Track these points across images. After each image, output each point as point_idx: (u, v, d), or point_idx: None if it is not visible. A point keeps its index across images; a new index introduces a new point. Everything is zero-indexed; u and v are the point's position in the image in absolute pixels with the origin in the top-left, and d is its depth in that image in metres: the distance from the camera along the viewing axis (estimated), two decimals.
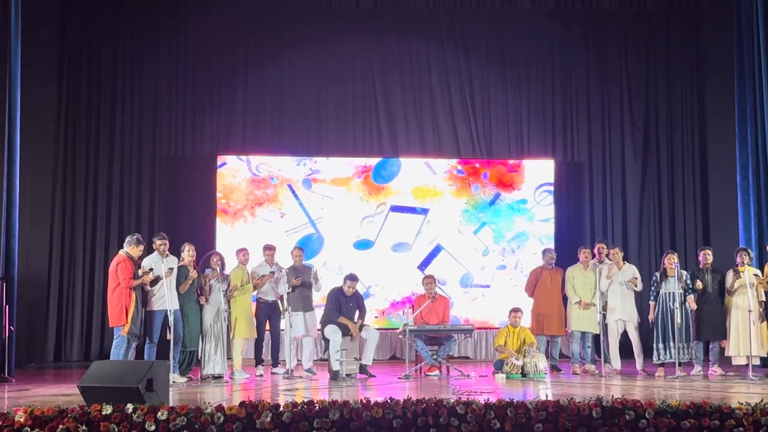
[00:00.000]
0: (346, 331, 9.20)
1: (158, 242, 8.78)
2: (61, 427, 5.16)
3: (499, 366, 9.36)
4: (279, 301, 9.73)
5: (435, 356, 9.56)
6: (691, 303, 9.30)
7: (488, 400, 5.51)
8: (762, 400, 5.57)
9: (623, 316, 9.64)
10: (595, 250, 10.07)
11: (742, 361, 9.24)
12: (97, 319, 11.43)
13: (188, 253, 9.05)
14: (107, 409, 5.28)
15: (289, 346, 9.38)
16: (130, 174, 11.91)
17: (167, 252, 8.79)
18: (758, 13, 10.61)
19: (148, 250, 8.95)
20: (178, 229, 10.90)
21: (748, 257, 9.28)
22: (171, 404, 5.65)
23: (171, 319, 8.33)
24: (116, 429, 5.18)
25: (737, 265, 9.27)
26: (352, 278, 9.56)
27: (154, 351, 8.69)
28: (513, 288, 11.72)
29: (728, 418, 5.37)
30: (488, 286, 11.92)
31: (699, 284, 9.31)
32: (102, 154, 11.83)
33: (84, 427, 5.18)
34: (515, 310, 9.76)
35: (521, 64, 12.63)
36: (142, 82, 12.03)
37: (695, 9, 12.51)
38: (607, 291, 9.65)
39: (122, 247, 8.70)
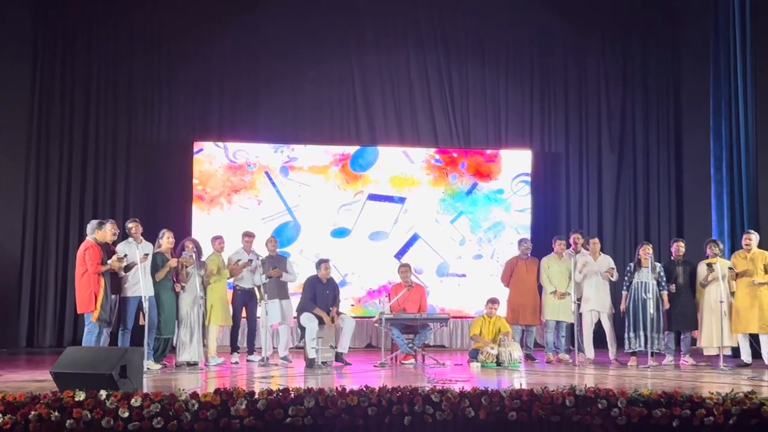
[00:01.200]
0: (322, 320, 9.20)
1: (130, 226, 8.70)
2: (33, 413, 5.12)
3: (474, 355, 9.41)
4: (256, 289, 9.70)
5: (411, 345, 9.58)
6: (665, 300, 9.39)
7: (463, 388, 5.54)
8: (732, 390, 5.65)
9: (597, 306, 9.72)
10: (571, 241, 10.12)
11: (713, 352, 9.35)
12: (70, 304, 11.31)
13: (167, 240, 8.97)
14: (80, 396, 5.25)
15: (265, 334, 9.36)
16: (105, 159, 11.80)
17: (141, 237, 8.71)
18: (735, 6, 10.69)
19: (123, 236, 8.87)
20: (154, 216, 10.85)
21: (718, 249, 9.38)
22: (145, 391, 5.62)
23: (145, 305, 8.28)
24: (89, 415, 5.15)
25: (707, 257, 9.36)
26: (325, 261, 9.56)
27: (128, 338, 8.63)
28: (489, 277, 11.76)
29: (699, 407, 5.43)
30: (464, 276, 11.96)
31: (666, 297, 9.40)
32: (76, 138, 11.72)
33: (56, 414, 5.15)
34: (492, 301, 9.80)
35: (500, 54, 12.66)
36: (117, 66, 11.91)
37: (673, 2, 12.60)
38: (582, 281, 9.72)
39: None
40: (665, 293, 9.39)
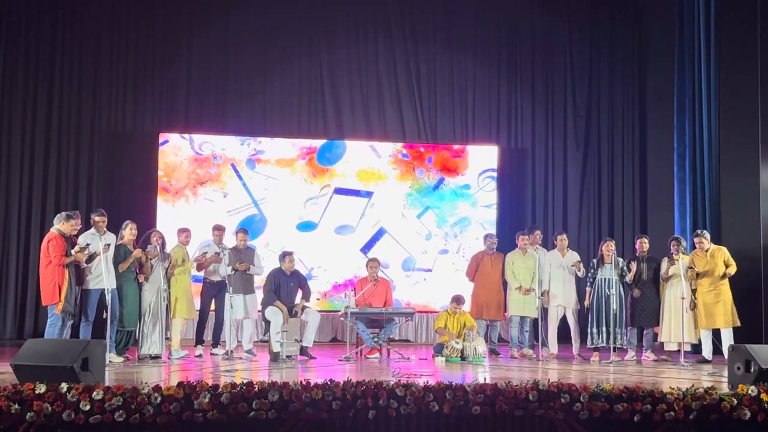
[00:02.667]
0: (289, 314, 9.16)
1: (96, 218, 8.58)
2: None
3: (438, 349, 9.44)
4: (226, 282, 9.62)
5: (376, 339, 9.59)
6: (635, 291, 9.51)
7: (427, 382, 5.55)
8: (693, 386, 5.72)
9: (563, 302, 9.81)
10: (533, 236, 10.18)
11: (674, 348, 9.48)
12: (31, 296, 11.18)
13: (129, 231, 8.85)
14: (41, 388, 5.17)
15: (229, 328, 9.30)
16: (68, 149, 11.64)
17: (105, 229, 8.60)
18: (699, 5, 10.82)
19: (86, 227, 8.76)
20: (118, 207, 10.71)
21: (681, 246, 9.49)
22: (107, 384, 5.56)
23: (108, 297, 8.18)
24: (50, 408, 5.08)
25: (671, 254, 9.47)
26: (288, 253, 9.52)
27: (90, 330, 8.51)
28: (455, 272, 11.81)
29: (660, 402, 5.50)
30: (430, 270, 12.00)
31: (631, 275, 9.49)
32: (39, 127, 11.54)
33: (16, 406, 5.07)
34: (457, 300, 9.73)
35: (468, 49, 12.70)
36: (82, 56, 11.75)
37: (638, 0, 12.71)
38: (548, 277, 9.81)
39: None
40: (636, 290, 9.49)
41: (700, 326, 9.33)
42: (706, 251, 9.38)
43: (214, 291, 9.62)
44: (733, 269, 9.29)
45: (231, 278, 9.30)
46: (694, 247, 9.57)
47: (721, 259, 9.34)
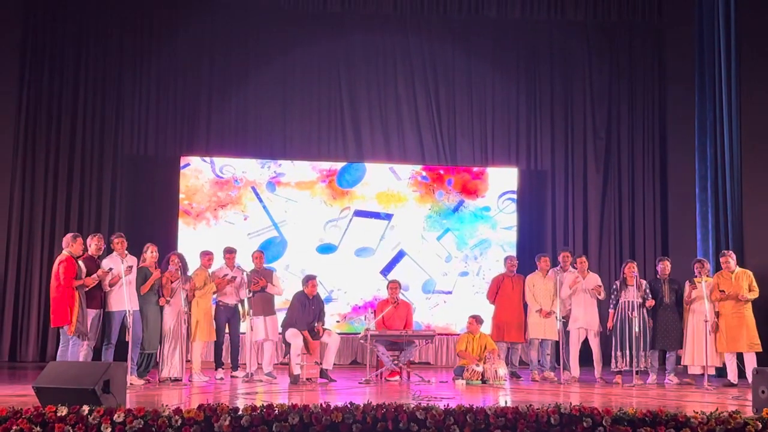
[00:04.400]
0: (311, 337, 9.15)
1: (116, 241, 8.65)
2: (15, 427, 5.06)
3: (459, 372, 9.39)
4: (240, 305, 9.65)
5: (396, 361, 9.56)
6: (649, 302, 9.44)
7: (448, 405, 5.52)
8: (717, 410, 5.65)
9: (585, 324, 9.74)
10: (560, 259, 10.16)
11: (698, 371, 9.37)
12: None
13: (151, 254, 8.93)
14: (62, 411, 5.20)
15: (249, 350, 9.31)
16: (91, 173, 11.76)
17: (126, 252, 8.67)
18: (719, 27, 10.80)
19: (108, 250, 8.83)
20: (140, 230, 10.79)
21: (705, 268, 9.41)
22: (128, 406, 5.58)
23: (129, 320, 8.22)
24: (71, 431, 5.10)
25: (695, 276, 9.39)
26: (311, 278, 9.52)
27: (112, 352, 8.56)
28: (474, 295, 11.77)
29: (683, 426, 5.43)
30: (450, 293, 11.96)
31: (650, 302, 9.43)
32: (63, 151, 11.68)
33: (38, 429, 5.09)
34: (473, 317, 9.77)
35: (486, 72, 12.73)
36: (105, 80, 11.90)
37: (658, 22, 12.72)
38: (570, 299, 9.75)
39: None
40: (651, 300, 9.43)
41: (720, 349, 9.23)
42: (732, 272, 9.31)
43: (228, 314, 9.63)
44: (754, 294, 9.20)
45: (251, 300, 9.32)
46: (719, 268, 9.50)
47: (745, 282, 9.25)
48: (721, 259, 9.46)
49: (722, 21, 10.76)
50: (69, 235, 8.43)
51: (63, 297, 8.11)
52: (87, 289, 8.24)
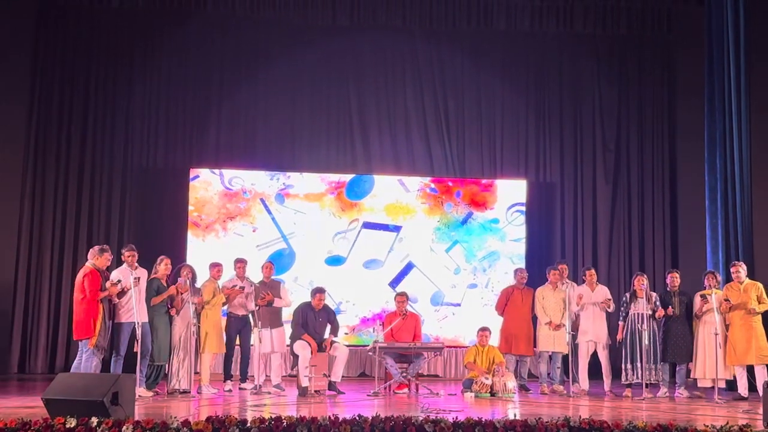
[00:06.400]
0: (318, 348, 9.16)
1: (127, 254, 8.69)
2: None
3: (467, 385, 9.37)
4: (250, 316, 9.66)
5: (404, 374, 9.54)
6: (659, 312, 9.40)
7: (456, 418, 5.51)
8: (727, 423, 5.63)
9: (594, 337, 9.70)
10: (558, 270, 10.15)
11: (708, 384, 9.31)
12: (63, 331, 11.28)
13: (164, 266, 8.96)
14: (71, 422, 5.21)
15: (257, 362, 9.31)
16: (101, 185, 11.81)
17: (136, 264, 8.70)
18: (729, 39, 10.79)
19: (118, 262, 8.86)
20: (149, 242, 10.82)
21: (715, 281, 9.39)
22: (136, 418, 5.58)
23: (139, 332, 8.24)
24: None
25: (705, 288, 9.36)
26: (320, 291, 9.55)
27: (121, 364, 8.58)
28: (483, 307, 11.75)
29: None
30: (459, 305, 11.94)
31: (660, 312, 9.38)
32: (72, 163, 11.73)
33: None
34: (483, 330, 9.80)
35: (495, 84, 12.74)
36: (114, 93, 11.96)
37: (667, 35, 12.72)
38: (578, 312, 9.73)
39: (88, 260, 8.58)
40: (660, 310, 9.38)
41: (729, 362, 9.18)
42: (741, 283, 9.27)
43: (239, 325, 9.64)
44: (765, 307, 9.16)
45: (258, 312, 9.34)
46: (731, 279, 9.47)
47: (754, 293, 9.22)
48: (732, 269, 9.45)
49: (731, 34, 10.75)
50: (96, 248, 8.47)
51: (88, 310, 8.15)
52: (110, 299, 8.28)
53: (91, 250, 8.54)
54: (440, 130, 12.55)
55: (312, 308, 9.42)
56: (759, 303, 9.19)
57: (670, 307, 9.44)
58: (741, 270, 9.36)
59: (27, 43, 11.58)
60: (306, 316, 9.36)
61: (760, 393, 8.95)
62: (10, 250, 11.25)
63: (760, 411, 6.99)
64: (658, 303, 9.44)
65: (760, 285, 9.31)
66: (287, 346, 9.66)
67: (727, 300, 9.18)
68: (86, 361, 8.17)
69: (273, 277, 9.94)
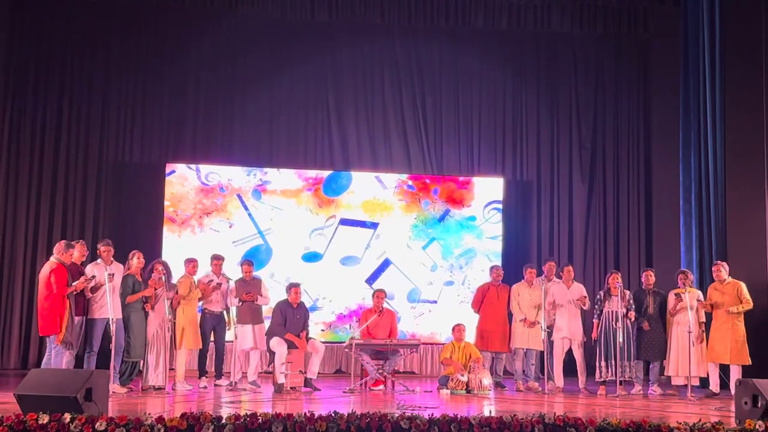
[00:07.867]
0: (292, 344, 9.15)
1: (102, 248, 8.62)
2: None
3: (443, 381, 9.39)
4: (225, 312, 9.62)
5: (380, 370, 9.55)
6: (645, 324, 9.47)
7: (432, 415, 5.52)
8: (700, 420, 5.68)
9: (569, 334, 9.76)
10: (545, 269, 10.21)
11: (681, 382, 9.40)
12: (35, 327, 11.11)
13: (137, 261, 8.90)
14: (44, 419, 5.16)
15: (234, 358, 9.27)
16: (75, 179, 11.69)
17: (111, 259, 8.63)
18: (704, 40, 10.89)
19: (93, 257, 8.78)
20: (124, 237, 10.73)
21: (688, 280, 9.47)
22: (110, 415, 5.54)
23: (112, 327, 8.17)
24: None
25: (678, 287, 9.43)
26: (295, 285, 9.54)
27: (94, 360, 8.51)
28: (460, 304, 11.78)
29: None
30: (435, 302, 11.96)
31: (632, 314, 9.43)
32: (47, 158, 11.60)
33: None
34: (458, 325, 9.86)
35: (473, 82, 12.77)
36: (90, 87, 11.84)
37: (643, 35, 12.81)
38: (553, 310, 9.77)
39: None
40: (645, 322, 9.45)
41: (709, 359, 9.26)
42: (722, 282, 9.35)
43: (214, 321, 9.61)
44: (746, 306, 9.23)
45: (239, 309, 9.31)
46: (704, 279, 9.55)
47: (734, 292, 9.28)
48: (713, 268, 9.55)
49: (707, 34, 10.85)
50: (62, 243, 8.39)
51: (54, 305, 8.06)
52: (74, 293, 8.19)
53: (57, 244, 8.45)
54: (418, 127, 12.56)
55: (290, 305, 9.41)
56: (741, 302, 9.26)
57: (646, 322, 9.50)
58: (722, 269, 9.44)
59: (2, 35, 11.44)
60: (285, 314, 9.33)
61: (732, 391, 9.07)
62: None
63: (732, 408, 7.07)
64: (631, 301, 9.51)
65: (742, 284, 9.38)
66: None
67: (699, 300, 9.26)
68: (56, 356, 8.10)
69: (253, 276, 9.88)
